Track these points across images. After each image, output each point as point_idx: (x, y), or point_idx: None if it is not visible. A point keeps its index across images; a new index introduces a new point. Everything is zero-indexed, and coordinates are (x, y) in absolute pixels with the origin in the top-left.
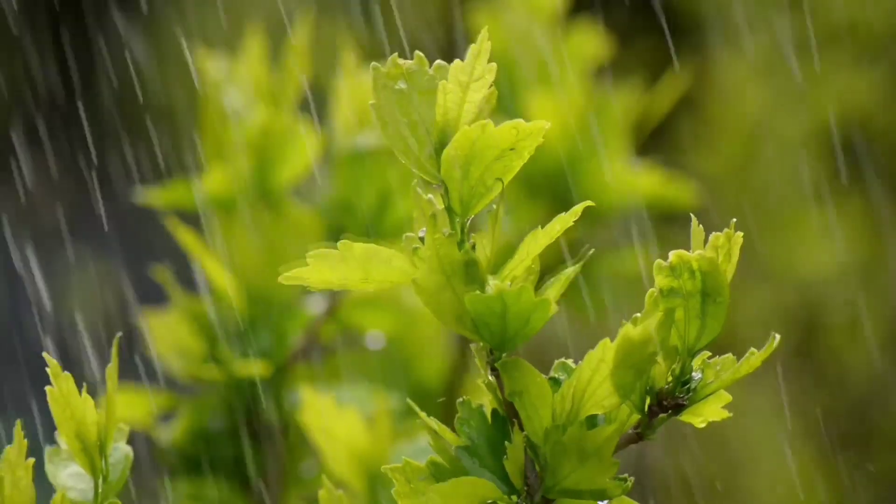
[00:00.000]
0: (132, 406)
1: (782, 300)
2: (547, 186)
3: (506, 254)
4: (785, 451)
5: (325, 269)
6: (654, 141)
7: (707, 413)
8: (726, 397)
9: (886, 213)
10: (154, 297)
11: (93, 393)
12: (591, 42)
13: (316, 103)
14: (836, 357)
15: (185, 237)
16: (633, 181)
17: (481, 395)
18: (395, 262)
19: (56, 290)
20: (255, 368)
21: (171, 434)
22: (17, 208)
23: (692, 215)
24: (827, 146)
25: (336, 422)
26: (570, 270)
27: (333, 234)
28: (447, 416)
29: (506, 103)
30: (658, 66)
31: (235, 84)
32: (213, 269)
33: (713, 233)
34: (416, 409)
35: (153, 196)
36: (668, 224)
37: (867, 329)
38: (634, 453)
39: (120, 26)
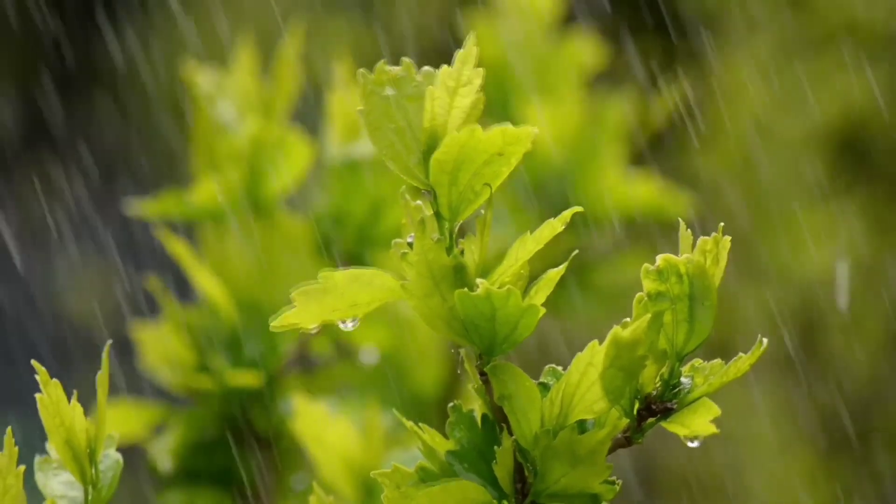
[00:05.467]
0: (126, 419)
1: (782, 300)
2: (544, 194)
3: (499, 260)
4: (785, 450)
5: (311, 305)
6: (654, 141)
7: (695, 425)
8: (715, 410)
9: (886, 213)
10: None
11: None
12: (587, 48)
13: (309, 112)
14: (836, 357)
15: (176, 248)
16: (629, 189)
17: (474, 400)
18: (378, 282)
19: (58, 295)
20: (247, 378)
21: (164, 445)
22: (16, 213)
23: (680, 220)
24: (827, 146)
25: (329, 430)
26: (555, 271)
27: (326, 243)
28: (444, 423)
29: (501, 111)
30: (658, 67)
31: (227, 95)
32: (205, 279)
33: (701, 237)
34: (402, 418)
35: (146, 207)
36: (669, 230)
37: (867, 329)
38: (636, 452)
39: (118, 32)
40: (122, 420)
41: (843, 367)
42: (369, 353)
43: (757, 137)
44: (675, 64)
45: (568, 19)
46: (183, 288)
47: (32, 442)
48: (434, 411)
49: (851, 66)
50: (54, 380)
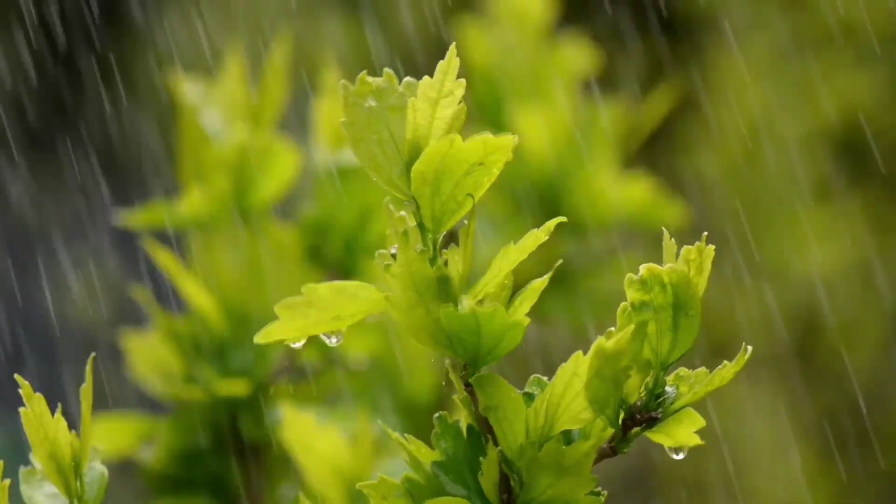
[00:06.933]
0: (114, 433)
1: (782, 300)
2: (536, 200)
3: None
4: (785, 450)
5: (295, 318)
6: (653, 142)
7: (679, 436)
8: (700, 421)
9: (886, 213)
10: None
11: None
12: (579, 53)
13: (298, 116)
14: (836, 357)
15: (163, 258)
16: (621, 195)
17: (461, 411)
18: (363, 294)
19: (57, 300)
20: (235, 387)
21: (152, 454)
22: (13, 220)
23: (664, 229)
24: (827, 146)
25: (317, 439)
26: (539, 281)
27: (313, 252)
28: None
29: (493, 116)
30: (658, 67)
31: (215, 103)
32: (193, 288)
33: (685, 246)
34: (388, 429)
35: (133, 218)
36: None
37: (867, 329)
38: (635, 452)
39: (104, 39)
40: (111, 434)
41: (843, 367)
42: (359, 363)
43: (756, 137)
44: (674, 64)
45: (565, 20)
46: (176, 296)
47: (23, 451)
48: (427, 418)
49: (851, 66)
50: (38, 393)
